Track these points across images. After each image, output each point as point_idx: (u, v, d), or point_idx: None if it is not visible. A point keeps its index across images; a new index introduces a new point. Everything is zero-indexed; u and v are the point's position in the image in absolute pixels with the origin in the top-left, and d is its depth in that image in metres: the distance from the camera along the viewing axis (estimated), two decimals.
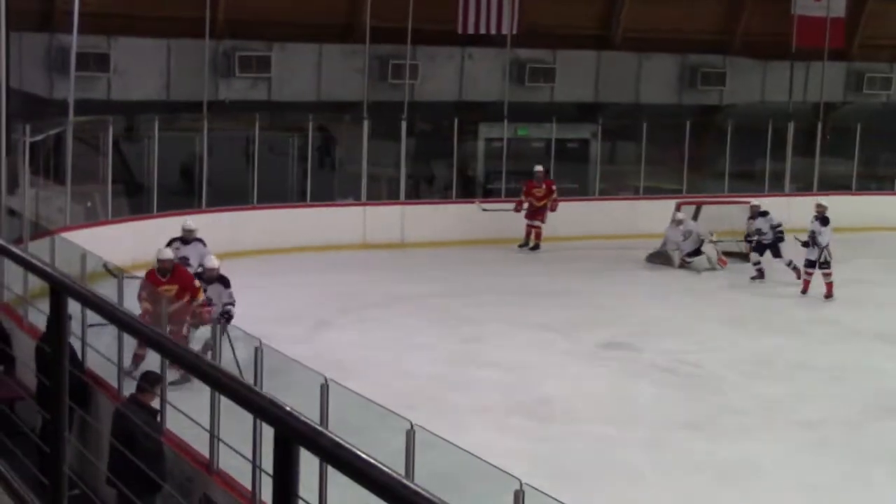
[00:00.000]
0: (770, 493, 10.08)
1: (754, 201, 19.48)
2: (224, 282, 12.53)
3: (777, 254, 18.94)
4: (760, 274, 19.09)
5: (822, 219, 17.87)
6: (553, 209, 20.97)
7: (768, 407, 12.62)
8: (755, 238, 19.14)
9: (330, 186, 21.96)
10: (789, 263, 18.71)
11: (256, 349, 8.63)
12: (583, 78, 23.84)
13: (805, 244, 17.93)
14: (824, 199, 18.80)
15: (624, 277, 19.29)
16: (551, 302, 17.22)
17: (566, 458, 10.69)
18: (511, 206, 21.07)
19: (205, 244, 14.79)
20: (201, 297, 12.28)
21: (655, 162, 23.65)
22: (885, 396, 13.10)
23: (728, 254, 20.55)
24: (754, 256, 19.26)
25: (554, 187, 21.15)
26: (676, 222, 20.05)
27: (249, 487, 8.10)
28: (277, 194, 20.69)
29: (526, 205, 20.92)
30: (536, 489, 6.04)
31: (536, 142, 23.65)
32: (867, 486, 10.46)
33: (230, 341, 10.64)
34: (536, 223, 20.99)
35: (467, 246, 20.73)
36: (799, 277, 18.23)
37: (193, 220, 15.51)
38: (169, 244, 14.11)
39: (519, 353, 14.32)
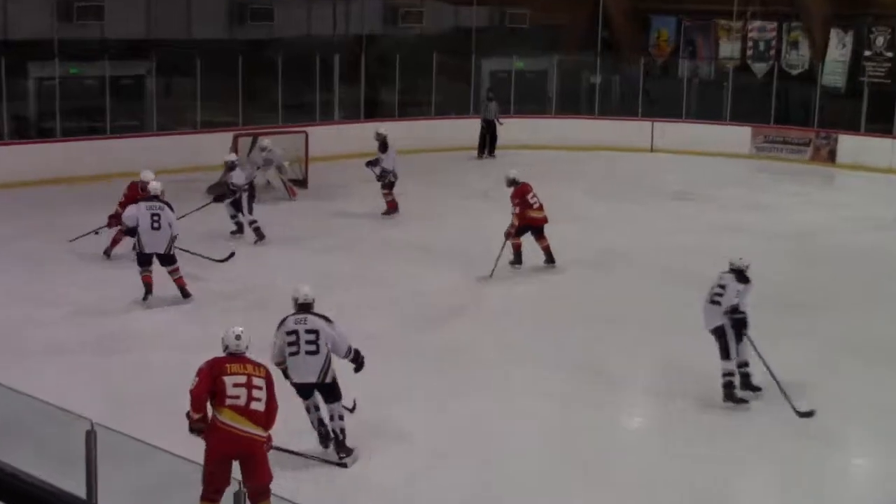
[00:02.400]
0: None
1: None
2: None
3: (251, 210, 16.92)
4: (239, 228, 17.12)
5: (383, 144, 18.40)
6: None
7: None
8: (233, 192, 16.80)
9: None
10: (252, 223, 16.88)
11: None
12: (134, 15, 23.11)
13: (369, 164, 18.46)
14: (382, 128, 18.98)
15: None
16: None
17: None
18: None
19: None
20: None
21: (212, 96, 23.30)
22: (419, 301, 14.01)
23: (293, 181, 20.65)
24: (229, 209, 17.08)
25: None
26: (260, 149, 19.34)
27: None
28: None
29: None
30: None
31: (90, 80, 22.64)
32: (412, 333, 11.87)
33: None
34: None
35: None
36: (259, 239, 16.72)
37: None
38: None
39: None
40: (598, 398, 10.77)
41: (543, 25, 28.60)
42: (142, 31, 23.47)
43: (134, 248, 13.49)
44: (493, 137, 25.61)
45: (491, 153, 25.55)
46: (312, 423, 8.81)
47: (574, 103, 28.12)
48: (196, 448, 7.32)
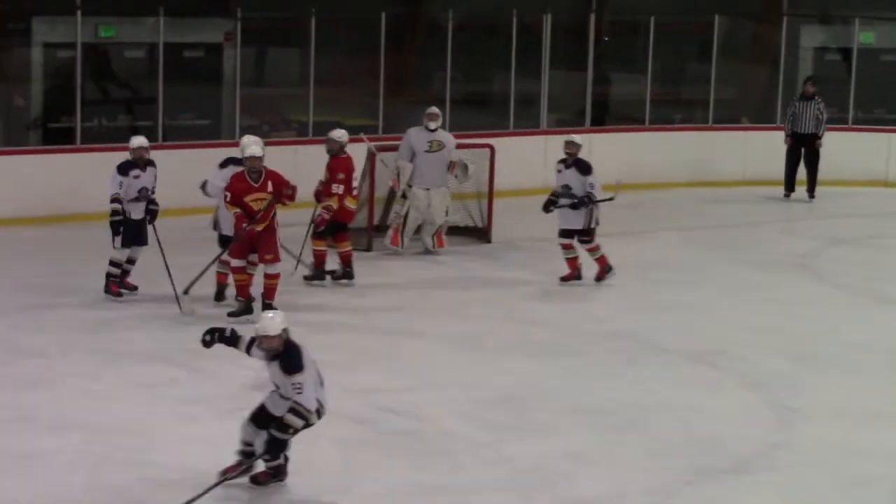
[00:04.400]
0: None
1: None
2: None
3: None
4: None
5: (580, 164, 17.64)
6: None
7: None
8: None
9: None
10: None
11: None
12: None
13: (578, 204, 17.42)
14: (578, 136, 18.48)
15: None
16: None
17: None
18: None
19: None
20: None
21: (332, 82, 22.88)
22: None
23: (457, 229, 19.80)
24: None
25: None
26: (430, 117, 19.05)
27: None
28: None
29: None
30: None
31: (132, 48, 22.08)
32: None
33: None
34: None
35: None
36: None
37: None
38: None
39: None
40: None
41: None
42: None
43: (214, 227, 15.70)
44: (813, 164, 23.89)
45: (809, 191, 24.03)
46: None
47: None
48: None
